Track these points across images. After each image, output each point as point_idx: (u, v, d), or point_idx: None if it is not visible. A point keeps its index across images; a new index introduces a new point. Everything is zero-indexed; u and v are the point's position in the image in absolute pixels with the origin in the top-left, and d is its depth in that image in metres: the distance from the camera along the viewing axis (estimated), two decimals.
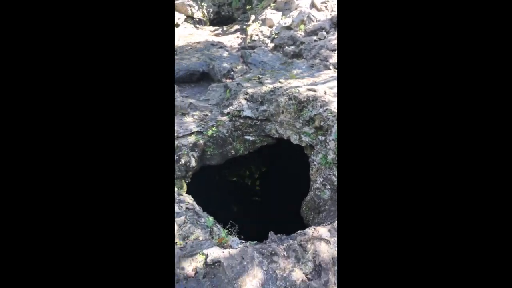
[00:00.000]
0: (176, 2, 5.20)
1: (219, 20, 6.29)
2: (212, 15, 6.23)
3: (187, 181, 2.64)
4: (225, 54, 3.50)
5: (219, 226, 1.84)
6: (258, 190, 3.61)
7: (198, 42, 3.91)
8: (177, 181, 2.46)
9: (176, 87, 3.07)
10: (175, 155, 2.52)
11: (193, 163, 2.63)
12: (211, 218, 1.91)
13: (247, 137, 2.87)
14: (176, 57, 3.55)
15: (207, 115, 2.83)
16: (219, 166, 2.99)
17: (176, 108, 2.82)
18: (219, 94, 3.04)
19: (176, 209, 1.99)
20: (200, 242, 1.61)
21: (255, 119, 2.75)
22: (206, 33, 4.92)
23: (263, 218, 2.93)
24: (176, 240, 1.64)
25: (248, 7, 5.40)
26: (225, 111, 2.76)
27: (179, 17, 4.99)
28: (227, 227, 1.84)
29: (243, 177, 3.76)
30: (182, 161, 2.55)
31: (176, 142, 2.55)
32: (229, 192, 3.43)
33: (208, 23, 5.97)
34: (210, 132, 2.70)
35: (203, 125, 2.74)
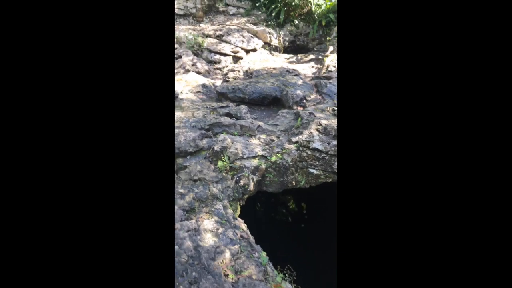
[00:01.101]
0: (257, 29, 5.52)
1: (293, 48, 6.45)
2: (287, 43, 6.43)
3: (241, 204, 2.55)
4: (300, 82, 3.46)
5: (272, 267, 1.66)
6: (304, 227, 3.30)
7: (274, 68, 3.99)
8: (232, 202, 2.39)
9: (246, 108, 3.11)
10: (236, 176, 2.48)
11: (251, 186, 2.54)
12: (265, 254, 1.75)
13: (311, 170, 2.68)
14: (251, 80, 3.66)
15: (273, 140, 2.76)
16: (276, 194, 2.84)
17: (244, 128, 2.83)
18: (289, 121, 2.96)
19: (230, 234, 1.89)
20: (253, 282, 1.44)
21: (324, 152, 2.56)
22: (281, 60, 5.04)
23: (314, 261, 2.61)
24: (228, 271, 1.51)
25: (328, 38, 5.40)
26: (294, 139, 2.64)
27: (257, 43, 5.26)
28: (283, 272, 1.63)
29: (294, 211, 3.52)
30: (242, 182, 2.49)
31: (239, 163, 2.52)
32: (280, 223, 3.22)
33: (282, 51, 6.17)
34: (274, 158, 2.60)
35: (268, 150, 2.66)
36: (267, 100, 3.32)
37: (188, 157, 2.52)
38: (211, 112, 3.07)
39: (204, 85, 3.85)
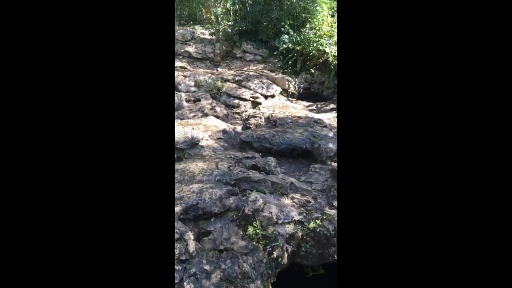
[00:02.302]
0: (276, 76, 5.54)
1: (307, 95, 6.45)
2: (301, 90, 6.46)
3: (272, 281, 2.08)
4: (330, 134, 3.22)
5: None
6: None
7: (299, 117, 3.81)
8: (266, 282, 1.92)
9: (275, 161, 2.81)
10: (269, 246, 2.06)
11: (285, 259, 2.10)
12: None
13: None
14: (277, 129, 3.43)
15: (309, 202, 2.40)
16: (312, 267, 2.38)
17: (275, 185, 2.49)
18: (325, 179, 2.63)
19: None
20: None
21: None
22: (300, 107, 4.92)
23: None
24: None
25: None
26: (336, 203, 2.28)
27: (276, 89, 5.21)
28: None
29: None
30: (275, 254, 2.05)
31: (271, 229, 2.12)
32: None
33: (297, 97, 6.15)
34: (312, 225, 2.21)
35: (304, 214, 2.28)
36: (296, 152, 3.04)
37: (212, 220, 2.12)
38: (236, 164, 2.75)
39: (224, 131, 3.61)
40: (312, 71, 6.37)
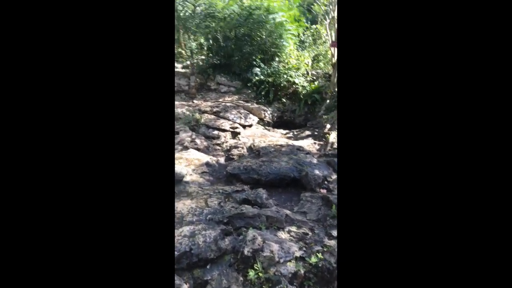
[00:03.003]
0: (252, 106, 5.63)
1: (281, 123, 6.64)
2: (275, 118, 6.64)
3: None
4: (314, 160, 3.26)
5: None
6: None
7: (281, 145, 3.83)
8: None
9: (266, 193, 2.72)
10: None
11: None
12: None
13: None
14: (263, 158, 3.38)
15: (307, 234, 2.31)
16: None
17: (270, 219, 2.37)
18: (317, 207, 2.59)
19: None
20: None
21: None
22: (278, 135, 4.99)
23: None
24: None
25: (323, 114, 5.64)
26: (335, 233, 2.22)
27: (253, 119, 5.27)
28: None
29: None
30: None
31: (273, 270, 1.96)
32: None
33: (272, 126, 6.29)
34: (313, 259, 2.10)
35: (305, 248, 2.17)
36: (285, 182, 2.99)
37: (209, 267, 1.91)
38: (226, 199, 2.60)
39: (208, 164, 3.46)
40: (284, 100, 6.64)
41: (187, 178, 2.99)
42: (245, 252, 1.95)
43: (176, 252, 1.87)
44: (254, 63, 6.28)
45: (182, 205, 2.41)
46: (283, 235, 2.29)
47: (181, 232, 2.05)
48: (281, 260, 1.99)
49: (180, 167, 3.09)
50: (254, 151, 3.88)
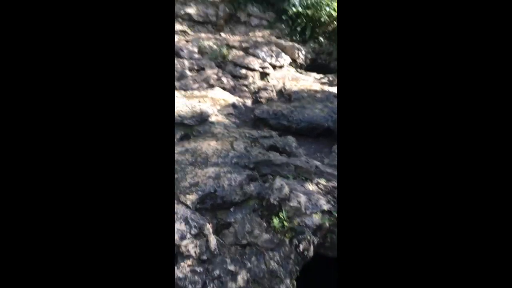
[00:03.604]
0: (286, 44, 5.03)
1: (314, 67, 6.01)
2: (308, 61, 5.99)
3: (296, 276, 1.90)
4: None
5: None
6: None
7: (316, 91, 3.45)
8: (293, 281, 1.74)
9: (295, 141, 2.52)
10: (295, 239, 1.84)
11: (311, 252, 1.91)
12: None
13: None
14: (295, 104, 3.08)
15: (336, 188, 2.16)
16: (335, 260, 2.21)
17: (298, 169, 2.23)
18: None
19: None
20: None
21: None
22: (311, 79, 4.52)
23: None
24: None
25: None
26: None
27: (285, 59, 4.75)
28: None
29: None
30: (301, 247, 1.85)
31: (297, 220, 1.89)
32: None
33: (305, 69, 5.72)
34: None
35: (332, 202, 2.05)
36: (317, 131, 2.74)
37: (232, 209, 1.87)
38: (253, 144, 2.45)
39: (234, 105, 3.25)
40: (321, 39, 5.85)
41: (212, 118, 2.84)
42: (271, 200, 1.86)
43: (200, 192, 1.83)
44: None
45: (207, 146, 2.30)
46: (311, 186, 2.16)
47: (206, 173, 1.98)
48: (307, 212, 1.90)
49: (205, 105, 2.91)
50: (284, 95, 3.56)
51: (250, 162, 2.18)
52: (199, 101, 3.15)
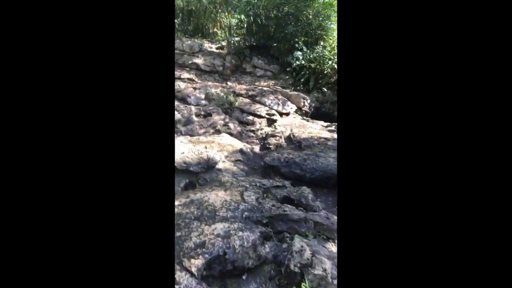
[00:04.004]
0: (292, 93, 5.16)
1: (317, 115, 6.11)
2: (312, 109, 6.11)
3: None
4: None
5: None
6: None
7: (327, 139, 3.35)
8: None
9: (311, 192, 2.30)
10: None
11: None
12: None
13: None
14: (307, 151, 2.94)
15: None
16: None
17: (319, 225, 1.96)
18: None
19: None
20: None
21: None
22: (318, 127, 4.49)
23: None
24: None
25: None
26: None
27: (291, 107, 4.80)
28: None
29: None
30: None
31: None
32: None
33: (310, 117, 5.78)
34: None
35: None
36: (332, 182, 2.53)
37: (245, 277, 1.56)
38: (265, 194, 2.22)
39: (242, 151, 3.10)
40: (325, 90, 6.06)
41: (220, 165, 2.65)
42: (291, 266, 1.56)
43: (207, 256, 1.53)
44: (296, 45, 5.72)
45: (214, 196, 2.07)
46: (333, 247, 1.87)
47: (214, 230, 1.71)
48: (335, 281, 1.58)
49: (212, 152, 2.75)
50: (294, 142, 3.45)
51: (263, 216, 1.92)
52: (206, 147, 3.01)
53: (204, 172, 2.49)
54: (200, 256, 1.53)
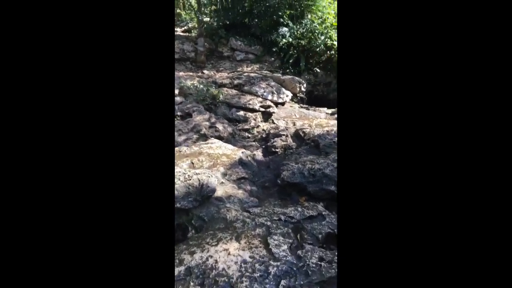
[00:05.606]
0: (285, 77, 4.35)
1: (311, 99, 5.43)
2: (304, 93, 5.40)
3: None
4: None
5: None
6: None
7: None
8: None
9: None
10: None
11: None
12: None
13: None
14: (331, 154, 2.20)
15: None
16: None
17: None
18: None
19: None
20: None
21: None
22: (322, 115, 3.78)
23: None
24: None
25: None
26: None
27: (287, 94, 4.02)
28: None
29: None
30: None
31: None
32: None
33: (306, 103, 5.06)
34: None
35: None
36: None
37: None
38: (297, 235, 1.47)
39: (242, 162, 2.30)
40: (317, 70, 5.34)
41: (219, 191, 1.84)
42: None
43: None
44: (281, 20, 4.86)
45: (223, 256, 1.27)
46: None
47: None
48: None
49: (205, 173, 1.91)
50: (306, 141, 2.69)
51: (312, 283, 1.17)
52: (192, 163, 2.16)
53: (198, 207, 1.66)
54: None
